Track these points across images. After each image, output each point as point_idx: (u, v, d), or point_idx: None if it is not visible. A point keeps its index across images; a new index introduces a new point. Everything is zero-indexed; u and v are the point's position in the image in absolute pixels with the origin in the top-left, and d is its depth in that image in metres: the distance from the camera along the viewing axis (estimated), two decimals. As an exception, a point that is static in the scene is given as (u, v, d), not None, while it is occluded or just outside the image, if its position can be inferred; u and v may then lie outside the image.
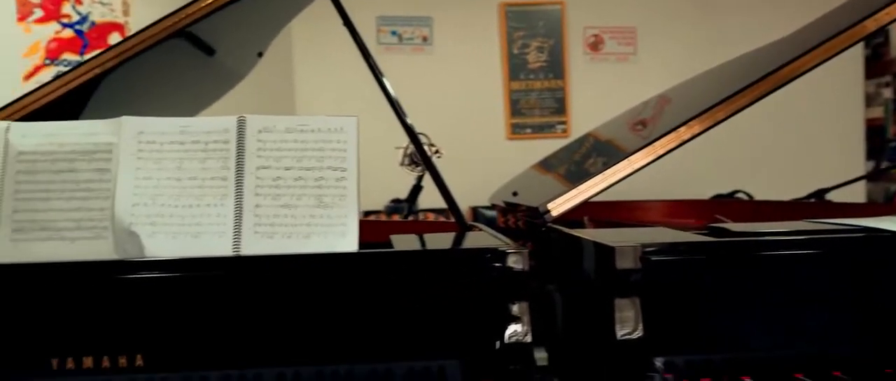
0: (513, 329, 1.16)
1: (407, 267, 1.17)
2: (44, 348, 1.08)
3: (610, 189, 1.59)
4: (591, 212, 1.94)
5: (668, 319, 1.19)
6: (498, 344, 1.15)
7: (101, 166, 1.24)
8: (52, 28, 2.75)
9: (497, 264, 1.16)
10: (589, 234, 1.39)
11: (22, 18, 2.71)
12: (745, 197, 2.55)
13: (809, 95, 3.25)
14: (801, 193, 2.33)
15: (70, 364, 1.09)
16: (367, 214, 3.84)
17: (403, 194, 2.45)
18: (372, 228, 1.53)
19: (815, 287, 1.22)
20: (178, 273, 1.13)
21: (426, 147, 1.96)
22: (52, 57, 2.74)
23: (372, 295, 1.15)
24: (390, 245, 1.31)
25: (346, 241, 1.23)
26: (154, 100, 2.06)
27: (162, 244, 1.19)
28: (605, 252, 1.22)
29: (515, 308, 1.16)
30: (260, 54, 2.17)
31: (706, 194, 2.67)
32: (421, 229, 1.55)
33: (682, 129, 1.57)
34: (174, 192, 1.23)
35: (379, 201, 3.82)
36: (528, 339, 1.15)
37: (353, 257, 1.20)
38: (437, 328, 1.15)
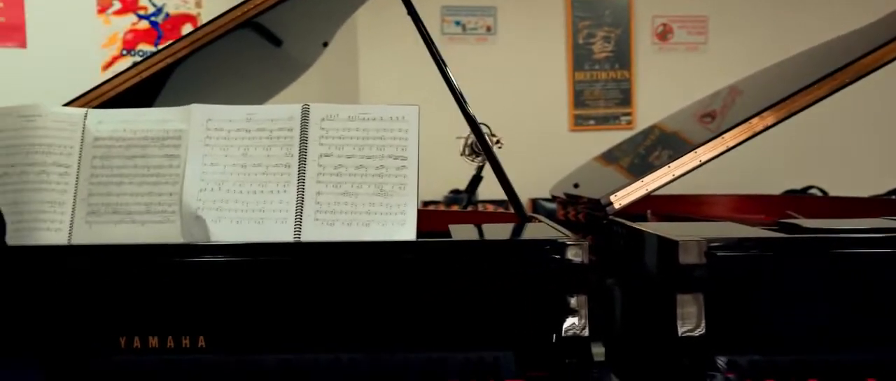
0: (570, 322, 1.14)
1: (464, 257, 1.17)
2: (113, 327, 1.13)
3: (675, 183, 1.54)
4: (654, 206, 1.90)
5: (732, 317, 1.16)
6: (554, 337, 1.14)
7: (171, 152, 1.28)
8: (129, 20, 2.86)
9: (556, 256, 1.15)
10: (652, 227, 1.36)
11: (101, 10, 2.83)
12: (818, 193, 2.44)
13: (888, 89, 3.09)
14: (879, 190, 2.22)
15: (137, 343, 1.13)
16: (426, 204, 3.85)
17: (463, 184, 2.44)
18: (430, 217, 1.54)
19: (893, 288, 1.16)
20: (240, 258, 1.16)
21: (487, 137, 1.95)
22: (128, 48, 2.85)
23: (429, 284, 1.15)
24: (449, 235, 1.31)
25: (405, 229, 1.23)
26: (224, 89, 2.12)
27: (226, 229, 1.22)
28: (668, 246, 1.19)
29: (573, 301, 1.15)
30: (325, 44, 2.20)
31: (777, 190, 2.57)
32: (480, 219, 1.55)
33: (755, 120, 1.51)
34: (239, 178, 1.26)
35: (438, 192, 3.83)
36: (586, 333, 1.13)
37: (412, 245, 1.20)
38: (493, 319, 1.14)
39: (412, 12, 1.61)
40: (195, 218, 1.23)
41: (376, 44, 4.05)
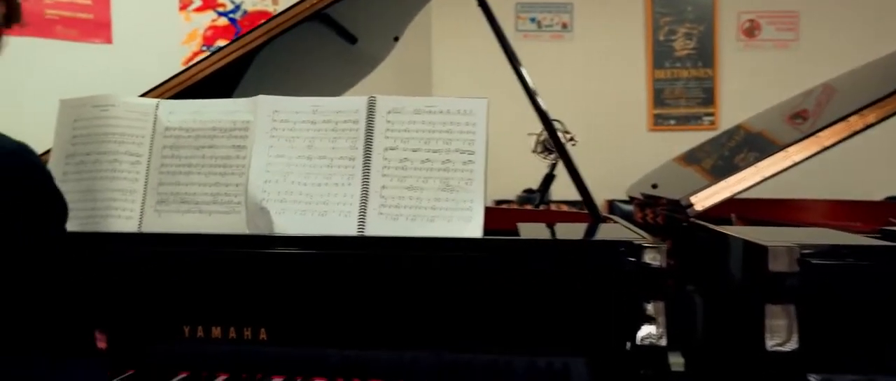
0: (646, 331, 1.07)
1: (533, 256, 1.11)
2: (177, 315, 1.13)
3: (762, 185, 1.44)
4: (740, 209, 1.78)
5: (827, 331, 1.05)
6: (629, 345, 1.07)
7: (238, 143, 1.28)
8: (208, 17, 2.93)
9: (631, 259, 1.07)
10: (738, 231, 1.26)
11: (183, 7, 2.91)
12: (924, 200, 2.25)
13: None
14: None
15: (200, 333, 1.12)
16: (498, 202, 3.79)
17: (537, 183, 2.38)
18: (499, 215, 1.48)
19: None
20: (303, 250, 1.14)
21: (560, 135, 1.88)
22: (208, 44, 2.92)
23: (495, 283, 1.10)
24: (517, 234, 1.25)
25: (471, 226, 1.18)
26: (299, 83, 2.12)
27: (290, 221, 1.21)
28: (757, 252, 1.09)
29: (650, 308, 1.07)
30: (396, 39, 2.17)
31: (878, 196, 2.39)
32: (551, 218, 1.49)
33: (854, 118, 1.39)
34: (304, 170, 1.24)
35: (511, 190, 3.76)
36: (663, 342, 1.05)
37: (478, 242, 1.15)
38: (563, 322, 1.08)
39: (482, 4, 1.56)
40: (260, 209, 1.22)
41: (450, 38, 4.02)
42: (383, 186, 1.22)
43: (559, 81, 3.98)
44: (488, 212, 1.22)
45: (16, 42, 2.81)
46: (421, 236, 1.17)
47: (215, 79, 1.65)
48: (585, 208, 1.47)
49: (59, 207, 0.81)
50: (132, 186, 1.27)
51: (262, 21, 1.61)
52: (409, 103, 1.27)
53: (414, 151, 1.24)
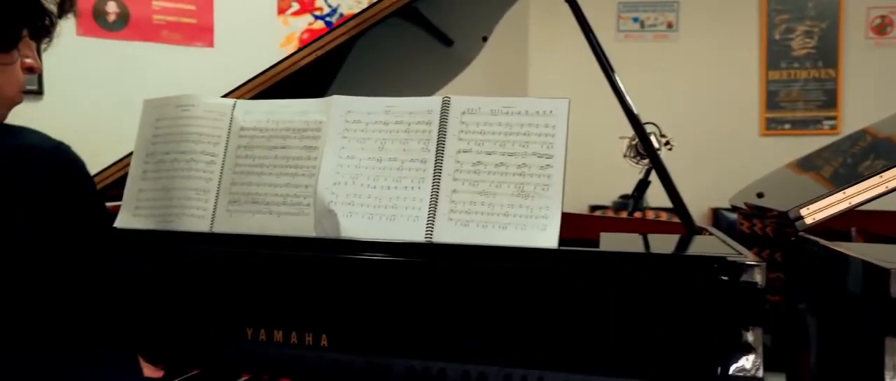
0: (741, 361, 0.94)
1: (613, 271, 1.01)
2: (240, 316, 1.11)
3: (889, 196, 1.27)
4: (862, 223, 1.59)
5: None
6: (719, 371, 0.95)
7: (310, 144, 1.25)
8: (305, 20, 2.97)
9: (723, 278, 0.95)
10: (856, 249, 1.11)
11: (281, 11, 2.97)
12: None
13: None
14: None
15: (262, 336, 1.10)
16: (593, 208, 3.65)
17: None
18: (581, 223, 1.38)
19: None
20: (367, 255, 1.09)
21: (655, 138, 1.76)
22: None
23: (570, 298, 1.01)
24: (597, 244, 1.16)
25: (546, 235, 1.10)
26: (389, 84, 2.10)
27: (357, 225, 1.16)
28: (877, 275, 0.95)
29: (746, 334, 0.95)
30: (484, 39, 2.11)
31: None
32: (641, 228, 1.37)
33: None
34: (374, 172, 1.19)
35: (608, 196, 3.61)
36: (759, 373, 0.93)
37: (551, 253, 1.07)
38: (644, 343, 0.98)
39: (571, 2, 1.47)
40: (328, 212, 1.18)
41: (547, 36, 3.90)
42: (454, 191, 1.16)
43: (663, 83, 3.78)
44: (571, 219, 1.13)
45: (126, 46, 2.96)
46: (490, 245, 1.10)
47: (306, 77, 1.65)
48: (678, 218, 1.35)
49: (93, 205, 0.80)
50: (206, 186, 1.27)
51: (348, 18, 1.59)
52: (486, 104, 1.20)
53: (488, 154, 1.17)
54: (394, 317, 1.07)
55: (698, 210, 3.65)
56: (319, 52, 1.62)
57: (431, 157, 1.18)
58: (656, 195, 2.07)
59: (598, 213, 3.45)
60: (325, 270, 1.10)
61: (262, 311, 1.10)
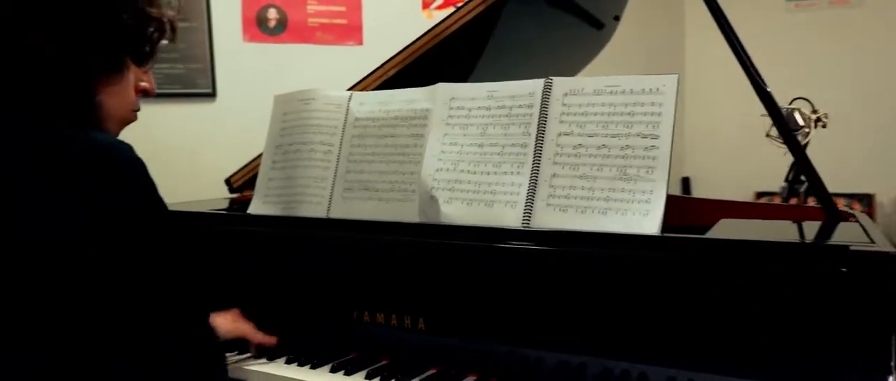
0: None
1: (718, 259, 0.93)
2: (349, 299, 1.16)
3: None
4: None
5: None
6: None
7: (417, 132, 1.28)
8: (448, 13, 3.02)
9: (865, 272, 0.84)
10: None
11: (425, 6, 3.05)
12: None
13: None
14: None
15: (366, 318, 1.14)
16: (759, 195, 3.37)
17: (802, 174, 2.04)
18: (702, 207, 1.29)
19: None
20: (462, 241, 1.10)
21: (800, 115, 1.60)
22: (448, 39, 3.02)
23: (675, 288, 0.95)
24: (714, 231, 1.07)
25: (648, 220, 1.04)
26: (528, 66, 2.07)
27: (456, 210, 1.17)
28: None
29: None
30: (617, 18, 2.03)
31: None
32: (772, 213, 1.25)
33: None
34: (475, 158, 1.20)
35: (776, 182, 3.31)
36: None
37: (653, 240, 1.01)
38: (757, 343, 0.89)
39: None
40: (430, 198, 1.20)
41: (703, 17, 3.65)
42: (554, 175, 1.13)
43: (838, 56, 3.40)
44: (691, 204, 1.06)
45: (285, 48, 3.17)
46: (588, 231, 1.06)
47: (444, 59, 1.63)
48: (819, 203, 1.21)
49: (151, 203, 0.82)
50: (324, 174, 1.34)
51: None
52: (589, 84, 1.15)
53: (590, 136, 1.12)
54: (489, 302, 1.07)
55: (887, 196, 3.24)
56: (460, 22, 1.57)
57: (532, 141, 1.16)
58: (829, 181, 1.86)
59: (764, 199, 3.18)
60: (423, 255, 1.12)
61: (365, 293, 1.15)
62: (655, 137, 1.08)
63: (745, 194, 3.45)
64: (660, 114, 1.09)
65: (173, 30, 0.94)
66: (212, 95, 2.84)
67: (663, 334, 0.96)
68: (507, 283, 1.06)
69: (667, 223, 1.04)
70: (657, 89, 1.10)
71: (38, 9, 0.82)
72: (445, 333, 1.09)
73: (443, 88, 1.28)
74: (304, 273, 1.22)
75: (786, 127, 1.27)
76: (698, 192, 3.75)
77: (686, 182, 3.78)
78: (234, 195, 1.75)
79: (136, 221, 0.80)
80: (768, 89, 1.28)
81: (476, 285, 1.07)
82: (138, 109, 0.98)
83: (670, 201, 1.06)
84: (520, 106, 1.19)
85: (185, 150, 2.75)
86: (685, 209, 1.29)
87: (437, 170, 1.22)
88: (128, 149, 0.82)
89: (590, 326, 1.00)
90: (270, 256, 1.25)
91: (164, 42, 0.94)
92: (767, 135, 1.65)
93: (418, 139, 1.27)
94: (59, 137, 0.81)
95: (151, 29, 0.91)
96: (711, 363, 0.92)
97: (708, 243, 0.97)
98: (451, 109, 1.25)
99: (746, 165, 3.35)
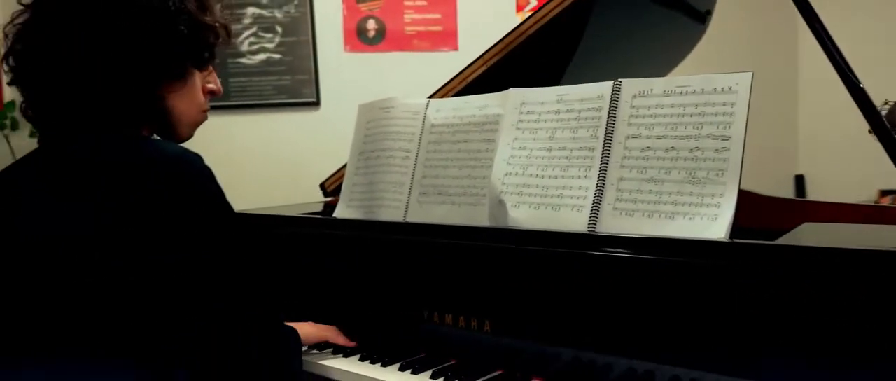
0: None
1: (795, 267, 0.88)
2: (420, 299, 1.20)
3: None
4: None
5: None
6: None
7: (488, 137, 1.30)
8: (544, 14, 3.01)
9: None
10: None
11: (519, 9, 3.06)
12: None
13: None
14: None
15: (435, 318, 1.18)
16: (884, 193, 3.12)
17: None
18: (784, 209, 1.23)
19: None
20: (527, 246, 1.11)
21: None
22: (544, 40, 3.01)
23: (746, 298, 0.91)
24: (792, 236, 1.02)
25: (716, 226, 1.01)
26: (625, 65, 2.04)
27: (524, 214, 1.19)
28: None
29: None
30: (708, 13, 1.96)
31: None
32: (861, 216, 1.18)
33: None
34: (543, 162, 1.21)
35: (889, 182, 3.06)
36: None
37: (720, 246, 0.98)
38: (836, 358, 0.85)
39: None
40: (499, 202, 1.22)
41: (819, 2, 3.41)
42: (621, 179, 1.12)
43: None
44: (771, 204, 1.02)
45: (384, 57, 3.28)
46: (655, 236, 1.04)
47: (532, 61, 1.62)
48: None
49: (217, 214, 0.86)
50: (402, 179, 1.39)
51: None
52: (658, 85, 1.13)
53: (658, 138, 1.11)
54: (555, 307, 1.07)
55: None
56: (546, 19, 1.53)
57: (599, 144, 1.16)
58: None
59: (887, 199, 2.95)
60: (491, 258, 1.14)
61: (435, 294, 1.19)
62: (726, 139, 1.05)
63: (869, 192, 3.22)
64: (732, 114, 1.05)
65: (228, 33, 1.01)
66: (316, 103, 2.99)
67: (738, 343, 0.92)
68: (573, 287, 1.06)
69: (762, 226, 0.99)
70: (729, 88, 1.07)
71: (102, 27, 0.87)
72: (511, 335, 1.10)
73: (514, 93, 1.29)
74: (379, 274, 1.27)
75: (878, 118, 1.19)
76: (813, 190, 3.53)
77: (800, 180, 3.57)
78: (329, 199, 1.84)
79: (204, 228, 0.85)
80: (861, 85, 1.21)
81: (542, 288, 1.08)
82: (207, 110, 1.05)
83: (784, 204, 1.02)
84: (588, 109, 1.19)
85: (292, 155, 2.91)
86: (764, 210, 1.24)
87: (506, 174, 1.23)
88: (196, 158, 0.87)
89: (658, 332, 0.99)
90: (349, 257, 1.32)
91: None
92: (870, 131, 1.55)
93: (490, 144, 1.30)
94: (129, 150, 0.86)
95: (208, 35, 0.97)
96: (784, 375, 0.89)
97: (779, 250, 0.92)
98: (522, 113, 1.27)
99: (868, 161, 3.11)
